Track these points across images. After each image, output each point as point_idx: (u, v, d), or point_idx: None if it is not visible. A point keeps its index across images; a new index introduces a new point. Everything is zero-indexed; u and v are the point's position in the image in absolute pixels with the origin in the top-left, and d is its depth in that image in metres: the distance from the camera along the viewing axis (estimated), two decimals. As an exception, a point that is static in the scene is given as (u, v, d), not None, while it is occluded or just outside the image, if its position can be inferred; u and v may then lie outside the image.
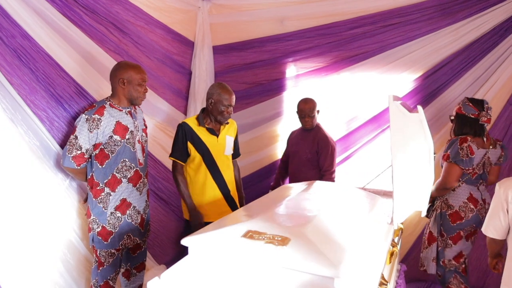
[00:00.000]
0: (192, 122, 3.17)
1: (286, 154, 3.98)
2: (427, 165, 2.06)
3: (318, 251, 1.43)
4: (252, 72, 4.32)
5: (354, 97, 4.11)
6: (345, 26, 4.01)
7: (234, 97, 3.18)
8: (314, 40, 4.12)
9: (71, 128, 2.77)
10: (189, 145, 3.11)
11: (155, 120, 3.77)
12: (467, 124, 3.15)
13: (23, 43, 2.53)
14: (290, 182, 3.84)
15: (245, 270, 1.43)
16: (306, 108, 3.68)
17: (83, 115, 2.59)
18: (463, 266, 3.31)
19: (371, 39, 3.95)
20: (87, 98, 2.93)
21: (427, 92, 3.85)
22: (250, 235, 1.52)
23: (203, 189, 3.16)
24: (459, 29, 3.69)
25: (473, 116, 3.11)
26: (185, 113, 4.22)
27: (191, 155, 3.12)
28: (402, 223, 2.53)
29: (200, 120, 3.16)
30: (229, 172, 3.28)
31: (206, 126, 3.14)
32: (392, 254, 2.16)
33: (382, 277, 1.81)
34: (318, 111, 3.73)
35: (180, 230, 3.99)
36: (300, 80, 4.24)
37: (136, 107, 2.88)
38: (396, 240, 2.33)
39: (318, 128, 3.78)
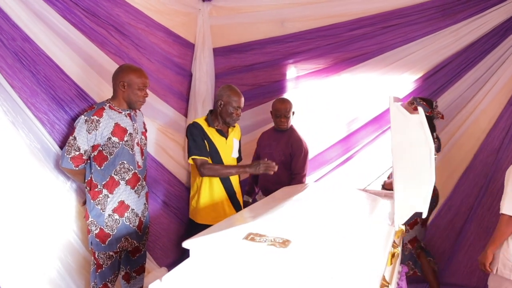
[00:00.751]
0: (202, 122, 3.17)
1: (257, 156, 3.85)
2: (428, 166, 2.07)
3: (319, 253, 1.43)
4: (252, 74, 4.32)
5: (355, 98, 4.11)
6: (345, 27, 4.01)
7: (243, 99, 3.21)
8: (314, 41, 4.12)
9: (72, 130, 2.77)
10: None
11: (156, 123, 3.77)
12: None
13: (24, 46, 2.53)
14: (261, 185, 3.80)
15: (246, 273, 1.43)
16: (282, 108, 3.60)
17: (82, 116, 2.60)
18: (419, 251, 3.63)
19: (371, 40, 3.95)
20: (88, 100, 2.93)
21: (427, 93, 3.85)
22: (251, 237, 1.52)
23: (211, 191, 3.17)
24: (459, 30, 3.70)
25: (427, 114, 3.28)
26: (185, 115, 4.22)
27: None
28: (403, 225, 2.53)
29: (209, 121, 3.17)
30: (236, 174, 3.29)
31: (215, 127, 3.17)
32: (393, 255, 2.16)
33: (383, 279, 1.80)
34: (293, 113, 3.67)
35: (182, 233, 3.99)
36: (301, 82, 4.23)
37: (137, 110, 2.88)
38: (397, 241, 2.32)
39: (292, 130, 3.72)
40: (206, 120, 3.19)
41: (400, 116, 2.05)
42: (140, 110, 2.94)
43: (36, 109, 2.61)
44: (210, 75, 4.36)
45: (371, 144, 4.06)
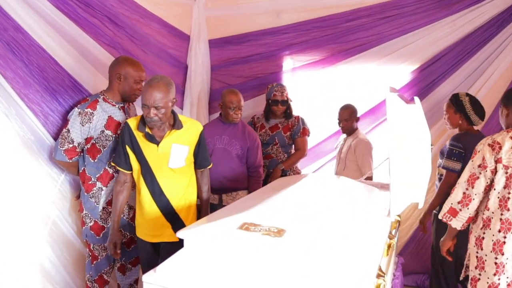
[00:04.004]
0: (133, 122, 2.56)
1: None
2: (424, 156, 2.06)
3: (314, 243, 1.42)
4: (248, 65, 4.30)
5: (351, 90, 4.10)
6: (342, 18, 3.99)
7: (156, 95, 2.38)
8: (310, 33, 4.10)
9: (65, 122, 2.75)
10: (129, 150, 2.55)
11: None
12: None
13: (16, 36, 2.49)
14: (213, 184, 3.23)
15: (241, 262, 1.42)
16: (235, 100, 3.30)
17: (76, 108, 2.58)
18: None
19: (367, 31, 3.94)
20: (82, 92, 2.90)
21: (424, 84, 3.84)
22: (246, 227, 1.51)
23: (140, 204, 2.64)
24: (455, 21, 3.69)
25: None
26: (181, 107, 4.20)
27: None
28: (399, 215, 2.52)
29: (141, 121, 2.53)
30: (176, 188, 2.61)
31: (145, 130, 2.50)
32: (389, 246, 2.15)
33: (379, 269, 1.80)
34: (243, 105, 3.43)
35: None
36: (297, 73, 4.22)
37: (130, 103, 2.86)
38: (393, 232, 2.32)
39: (243, 123, 3.49)
40: (141, 119, 2.55)
41: (397, 106, 2.04)
42: (133, 104, 2.92)
43: (29, 100, 2.57)
44: (206, 67, 4.34)
45: (367, 136, 4.05)
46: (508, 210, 2.33)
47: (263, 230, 1.48)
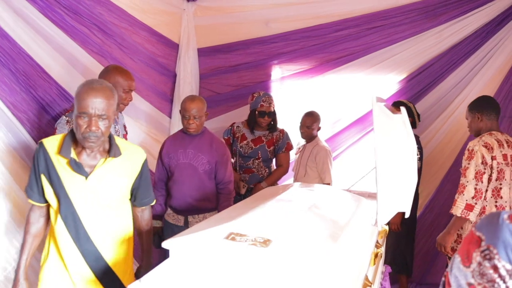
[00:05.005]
0: (51, 143, 1.95)
1: (166, 170, 3.06)
2: (410, 165, 2.07)
3: (300, 253, 1.42)
4: (237, 74, 4.32)
5: (339, 99, 4.14)
6: (330, 28, 4.04)
7: (101, 98, 1.82)
8: (299, 42, 4.13)
9: (53, 131, 2.73)
10: (44, 180, 1.94)
11: (139, 123, 3.73)
12: None
13: (3, 44, 2.49)
14: (178, 203, 3.03)
15: (227, 272, 1.41)
16: (191, 107, 2.88)
17: (64, 116, 2.56)
18: None
19: (355, 41, 3.99)
20: (69, 100, 2.89)
21: (411, 94, 3.89)
22: (232, 237, 1.50)
23: (60, 256, 1.98)
24: (442, 32, 3.75)
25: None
26: (169, 115, 4.20)
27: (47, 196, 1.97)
28: (386, 224, 2.53)
29: (66, 142, 1.91)
30: (107, 233, 2.01)
31: (70, 156, 1.89)
32: (376, 255, 2.16)
33: (366, 279, 1.80)
34: (206, 114, 3.02)
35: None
36: (285, 82, 4.25)
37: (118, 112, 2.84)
38: (380, 241, 2.33)
39: (210, 134, 3.07)
40: (64, 139, 1.94)
41: (383, 116, 2.05)
42: (121, 113, 2.90)
43: (15, 108, 2.57)
44: (195, 76, 4.34)
45: (355, 145, 4.08)
46: (501, 197, 2.80)
47: (249, 240, 1.47)
